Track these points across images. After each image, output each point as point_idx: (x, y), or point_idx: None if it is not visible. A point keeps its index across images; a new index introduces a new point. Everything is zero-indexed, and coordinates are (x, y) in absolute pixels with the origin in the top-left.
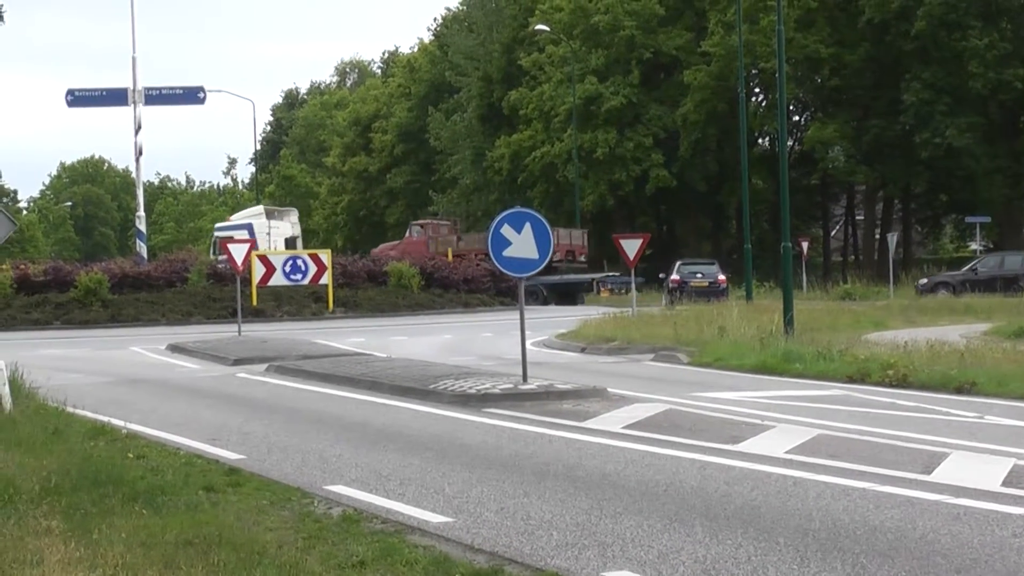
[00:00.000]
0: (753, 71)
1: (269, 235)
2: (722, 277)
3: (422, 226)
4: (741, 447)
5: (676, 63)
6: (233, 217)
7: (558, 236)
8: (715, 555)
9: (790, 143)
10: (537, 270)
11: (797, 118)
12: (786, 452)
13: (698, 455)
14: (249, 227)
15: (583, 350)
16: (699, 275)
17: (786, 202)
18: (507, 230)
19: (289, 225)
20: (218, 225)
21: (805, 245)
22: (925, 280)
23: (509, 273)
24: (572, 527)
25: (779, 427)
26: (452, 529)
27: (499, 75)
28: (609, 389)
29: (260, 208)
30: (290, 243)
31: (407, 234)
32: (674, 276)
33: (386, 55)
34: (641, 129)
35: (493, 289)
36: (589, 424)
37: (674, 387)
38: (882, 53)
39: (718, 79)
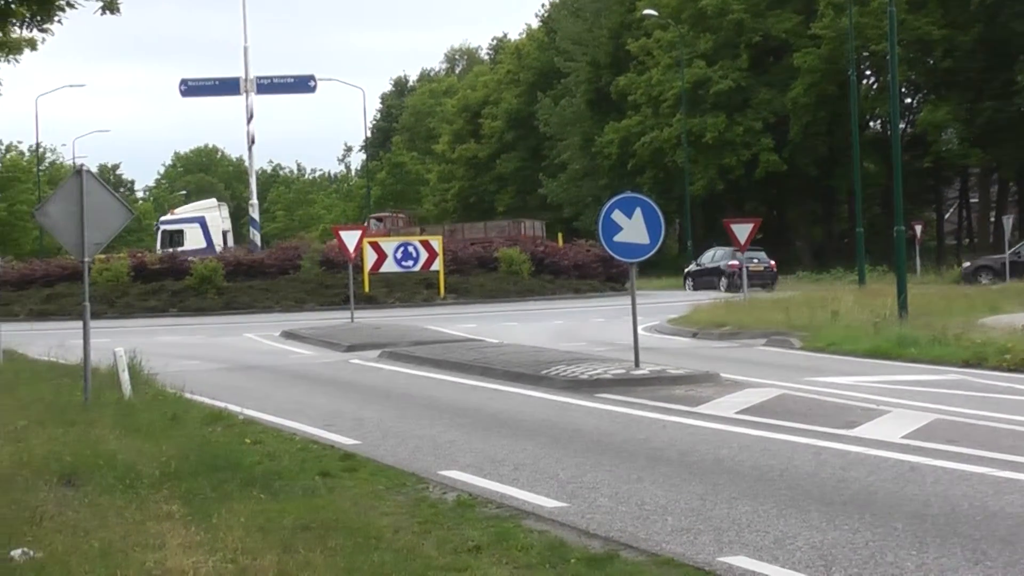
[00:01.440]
0: (864, 53)
1: (222, 229)
2: (772, 262)
3: (380, 219)
4: (856, 432)
5: (785, 46)
6: (179, 210)
7: (522, 227)
8: (831, 540)
9: (902, 126)
10: (648, 255)
11: (909, 100)
12: (902, 437)
13: (813, 440)
14: (201, 220)
15: (695, 335)
16: (755, 260)
17: (899, 185)
18: (618, 215)
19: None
20: (164, 218)
21: (919, 229)
22: (968, 263)
23: (620, 258)
24: (687, 512)
25: (894, 412)
26: (567, 514)
27: (607, 60)
28: (722, 374)
29: (213, 201)
30: (224, 236)
31: (366, 226)
32: (732, 262)
33: (494, 42)
34: (750, 113)
35: (604, 274)
36: (702, 409)
37: (787, 372)
38: (995, 34)
39: (828, 62)
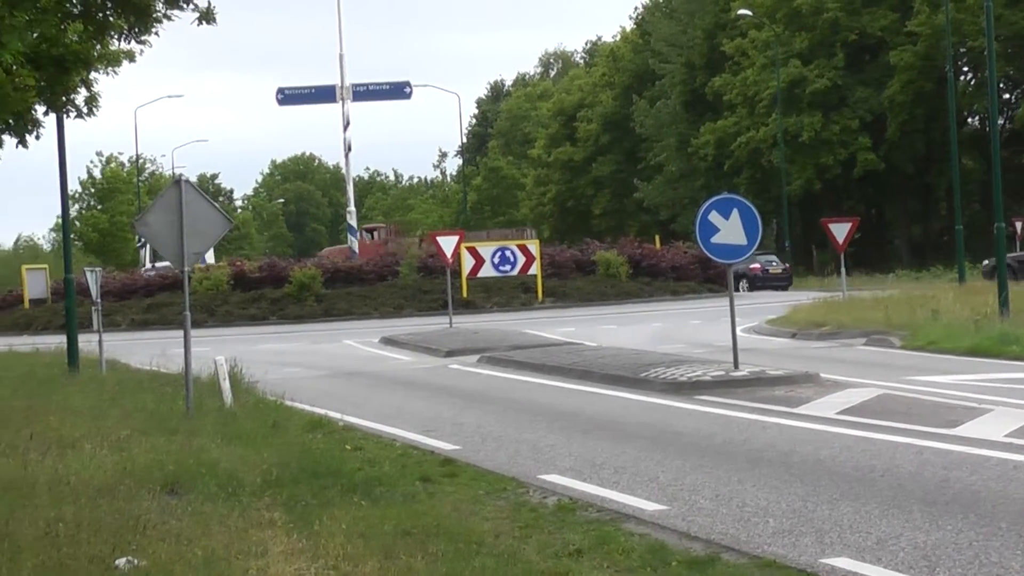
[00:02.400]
0: (960, 49)
1: None
2: (787, 265)
3: (371, 231)
4: (958, 431)
5: (881, 44)
6: None
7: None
8: (935, 541)
9: (1000, 122)
10: (746, 256)
11: (1007, 96)
12: (1005, 436)
13: (914, 440)
14: None
15: (794, 336)
16: (773, 263)
17: (998, 181)
18: (715, 216)
19: None
20: None
21: (1019, 225)
22: (987, 261)
23: (717, 259)
24: (788, 514)
25: (997, 410)
26: (667, 517)
27: (702, 61)
28: (821, 375)
29: None
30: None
31: (358, 238)
32: (753, 265)
33: (589, 45)
34: (847, 112)
35: (701, 276)
36: (802, 410)
37: (887, 371)
38: None
39: (925, 59)
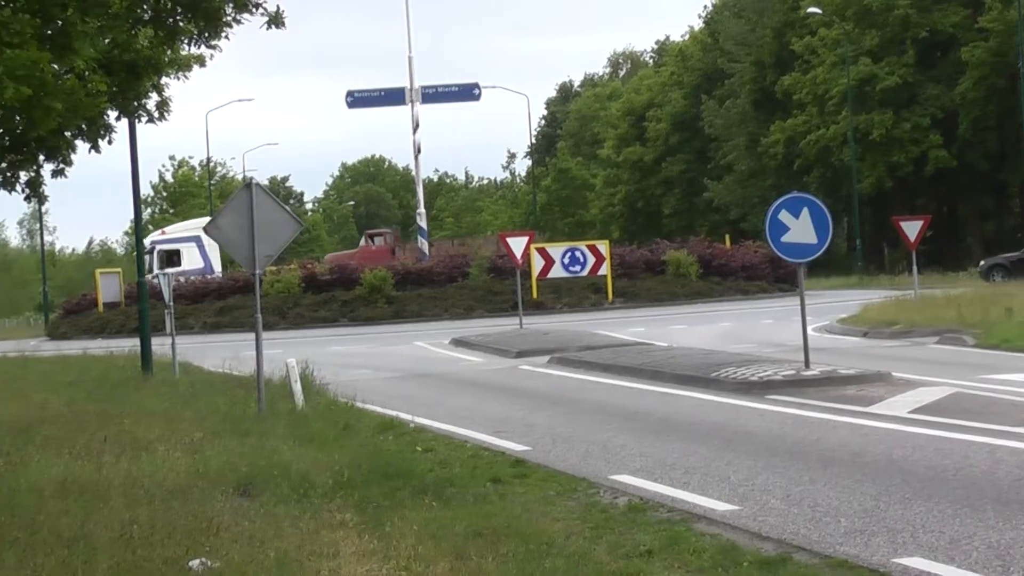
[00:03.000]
0: None
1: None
2: None
3: (374, 236)
4: None
5: (952, 40)
6: (170, 229)
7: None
8: (1008, 540)
9: None
10: (816, 255)
11: None
12: None
13: (988, 439)
14: (198, 239)
15: (865, 334)
16: None
17: None
18: (785, 215)
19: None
20: (155, 237)
21: None
22: (983, 262)
23: (787, 259)
24: (860, 513)
25: None
26: (738, 517)
27: (771, 59)
28: (893, 373)
29: (207, 220)
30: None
31: (363, 243)
32: None
33: (658, 44)
34: (918, 109)
35: (772, 275)
36: (874, 409)
37: (960, 370)
38: None
39: (996, 55)
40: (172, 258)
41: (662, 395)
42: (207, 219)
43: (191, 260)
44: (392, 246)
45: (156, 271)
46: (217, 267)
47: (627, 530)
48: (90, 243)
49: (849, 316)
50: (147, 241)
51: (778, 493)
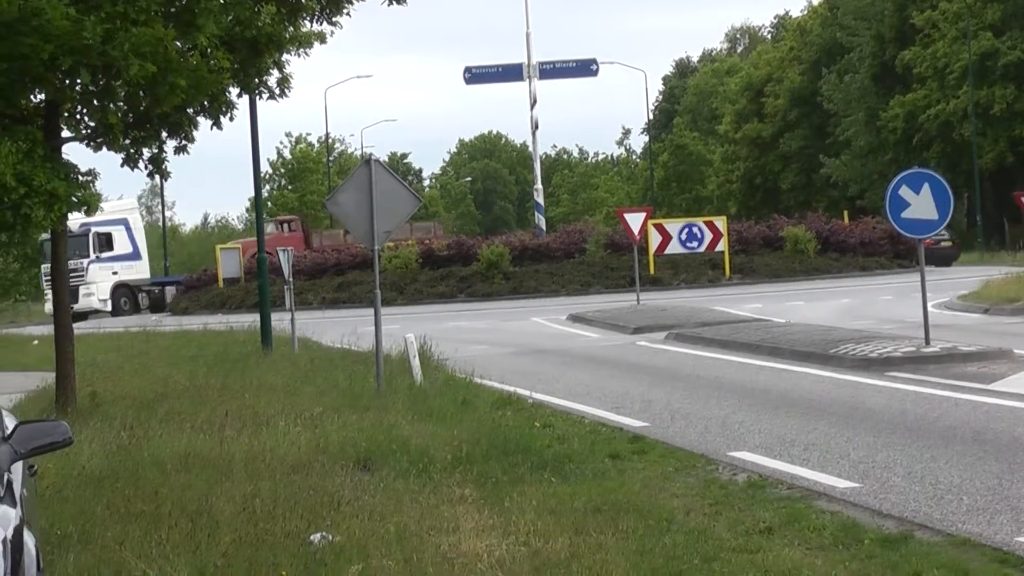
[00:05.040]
0: None
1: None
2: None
3: (284, 223)
4: None
5: None
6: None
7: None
8: None
9: None
10: (936, 231)
11: None
12: None
13: None
14: (125, 222)
15: (986, 311)
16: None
17: None
18: (905, 191)
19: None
20: (85, 221)
21: None
22: None
23: (907, 235)
24: (983, 492)
25: None
26: (859, 494)
27: (892, 33)
28: (1015, 351)
29: (133, 201)
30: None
31: (273, 229)
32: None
33: (776, 19)
34: None
35: (891, 252)
36: (996, 387)
37: None
38: None
39: None
40: (108, 241)
41: (780, 371)
42: (132, 201)
43: (120, 244)
44: (301, 234)
45: (92, 255)
46: (144, 253)
47: (747, 507)
48: (205, 219)
49: (970, 292)
50: (77, 224)
51: (899, 471)
